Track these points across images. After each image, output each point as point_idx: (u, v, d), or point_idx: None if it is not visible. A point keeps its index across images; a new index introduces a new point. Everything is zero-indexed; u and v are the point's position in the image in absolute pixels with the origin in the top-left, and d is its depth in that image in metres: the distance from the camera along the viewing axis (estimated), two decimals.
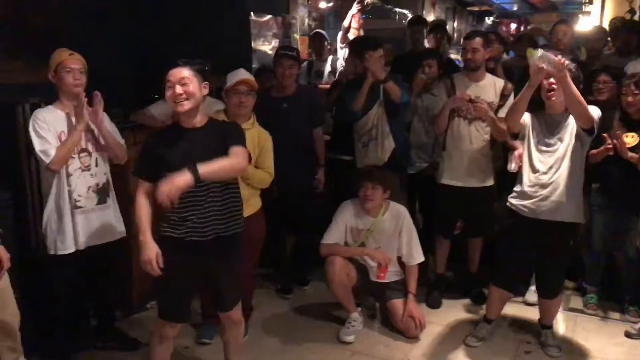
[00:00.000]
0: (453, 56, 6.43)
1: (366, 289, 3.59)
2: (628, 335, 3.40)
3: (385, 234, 3.47)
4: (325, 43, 5.62)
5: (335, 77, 5.20)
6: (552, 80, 2.84)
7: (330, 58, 5.61)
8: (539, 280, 3.25)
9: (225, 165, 2.36)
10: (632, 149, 3.29)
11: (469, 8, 14.65)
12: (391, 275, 3.52)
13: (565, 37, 4.36)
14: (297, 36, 6.07)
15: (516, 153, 3.36)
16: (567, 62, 2.73)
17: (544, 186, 2.96)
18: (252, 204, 3.11)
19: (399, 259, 3.56)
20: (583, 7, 12.90)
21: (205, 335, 3.31)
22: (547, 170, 2.96)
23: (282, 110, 3.69)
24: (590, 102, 2.97)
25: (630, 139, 3.32)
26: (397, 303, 3.44)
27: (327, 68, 5.49)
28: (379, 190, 3.38)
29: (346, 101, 3.78)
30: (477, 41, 3.56)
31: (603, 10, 9.17)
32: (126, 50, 4.46)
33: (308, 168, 3.89)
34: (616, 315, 3.65)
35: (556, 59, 2.67)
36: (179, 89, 2.36)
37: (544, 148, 2.99)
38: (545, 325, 3.31)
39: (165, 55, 2.55)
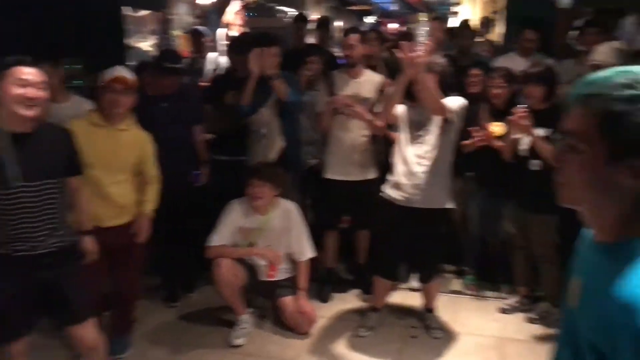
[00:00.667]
0: (338, 54, 6.54)
1: (256, 289, 3.53)
2: (503, 311, 3.65)
3: (275, 232, 3.43)
4: (203, 40, 5.45)
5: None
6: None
7: (210, 55, 5.45)
8: (416, 266, 3.38)
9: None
10: (500, 138, 3.52)
11: (349, 7, 15.11)
12: (281, 273, 3.49)
13: (438, 33, 4.57)
14: (176, 33, 5.85)
15: None
16: (418, 57, 2.67)
17: (415, 176, 3.08)
18: (129, 212, 2.97)
19: (289, 255, 3.54)
20: (452, 7, 13.86)
21: (116, 350, 3.08)
22: (418, 161, 3.08)
23: (162, 110, 3.54)
24: (462, 95, 3.14)
25: (497, 128, 3.54)
26: (288, 300, 3.42)
27: (207, 65, 5.33)
28: (267, 188, 3.33)
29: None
30: (354, 37, 3.63)
31: (474, 9, 9.83)
32: None
33: (189, 169, 3.77)
34: (492, 294, 3.91)
35: (410, 53, 2.65)
36: (32, 92, 2.16)
37: (414, 139, 3.12)
38: (428, 309, 3.46)
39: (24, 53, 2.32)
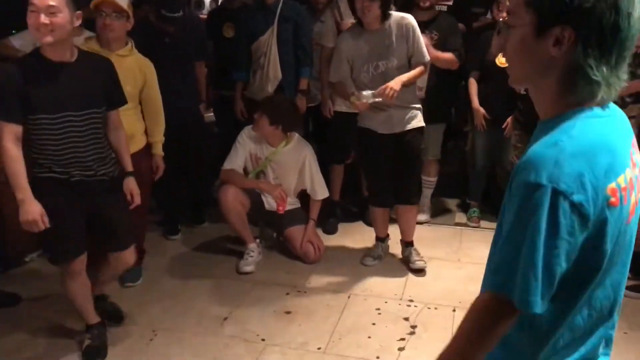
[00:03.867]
0: None
1: (262, 219, 3.57)
2: None
3: (284, 165, 3.44)
4: None
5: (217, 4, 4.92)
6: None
7: None
8: (398, 188, 3.32)
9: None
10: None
11: None
12: (289, 206, 3.51)
13: None
14: None
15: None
16: (382, 93, 2.91)
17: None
18: (137, 141, 2.94)
19: (298, 190, 3.56)
20: None
21: (128, 278, 3.14)
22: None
23: (165, 45, 3.45)
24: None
25: (503, 59, 3.48)
26: (295, 230, 3.46)
27: None
28: (264, 120, 3.33)
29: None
30: None
31: None
32: None
33: (194, 102, 3.71)
34: (495, 225, 3.95)
35: (379, 93, 2.91)
36: (44, 18, 2.09)
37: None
38: (408, 242, 3.43)
39: None
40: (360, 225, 3.98)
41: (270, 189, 3.41)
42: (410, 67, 3.07)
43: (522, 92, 3.35)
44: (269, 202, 3.48)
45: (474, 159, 3.95)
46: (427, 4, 3.56)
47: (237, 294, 3.11)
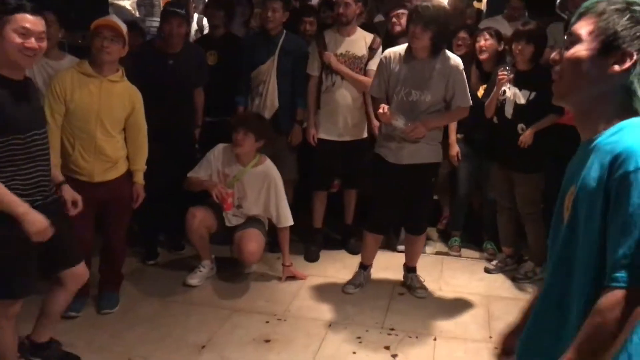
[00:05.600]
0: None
1: (225, 238, 3.56)
2: (487, 271, 3.72)
3: (250, 186, 3.45)
4: (191, 1, 5.35)
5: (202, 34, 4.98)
6: None
7: (196, 16, 5.36)
8: (407, 217, 3.38)
9: None
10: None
11: None
12: (239, 218, 3.51)
13: None
14: None
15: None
16: (412, 130, 2.99)
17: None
18: (119, 166, 2.96)
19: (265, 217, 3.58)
20: None
21: (105, 305, 3.10)
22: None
23: (168, 67, 3.55)
24: None
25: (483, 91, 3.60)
26: (241, 234, 3.41)
27: (194, 26, 5.24)
28: (250, 138, 3.35)
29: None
30: None
31: None
32: None
33: (189, 127, 3.78)
34: (476, 254, 3.98)
35: (407, 129, 2.99)
36: (34, 43, 2.10)
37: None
38: (410, 268, 3.48)
39: None
40: (342, 253, 3.96)
41: (210, 186, 3.39)
42: (447, 108, 3.11)
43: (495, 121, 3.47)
44: (229, 220, 3.48)
45: (457, 189, 3.99)
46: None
47: (215, 321, 3.06)
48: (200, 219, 3.38)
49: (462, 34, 3.89)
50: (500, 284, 3.59)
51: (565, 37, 1.16)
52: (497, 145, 3.57)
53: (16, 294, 2.26)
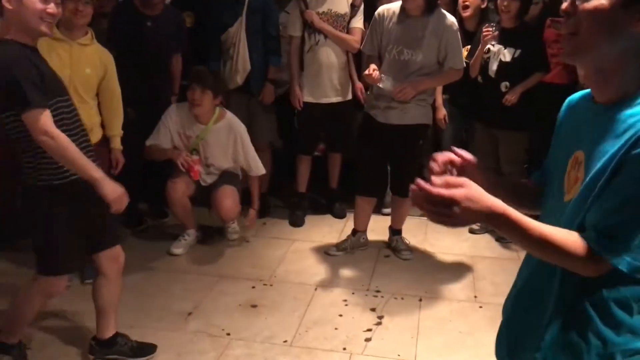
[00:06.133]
0: None
1: (204, 197, 3.51)
2: (472, 231, 3.73)
3: (215, 144, 3.38)
4: None
5: None
6: None
7: None
8: (393, 179, 3.38)
9: None
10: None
11: None
12: (210, 176, 3.48)
13: None
14: None
15: None
16: (399, 92, 2.95)
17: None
18: (95, 134, 2.84)
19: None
20: None
21: (88, 275, 3.00)
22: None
23: (146, 29, 3.42)
24: None
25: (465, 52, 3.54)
26: (217, 193, 3.38)
27: None
28: (208, 95, 3.25)
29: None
30: None
31: None
32: None
33: (167, 93, 3.66)
34: None
35: (395, 90, 2.95)
36: (54, 8, 1.99)
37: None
38: (395, 230, 3.48)
39: None
40: (327, 217, 3.95)
41: (175, 156, 3.32)
42: (440, 68, 3.03)
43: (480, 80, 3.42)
44: (204, 179, 3.45)
45: (442, 150, 3.96)
46: None
47: (201, 288, 3.05)
48: (181, 190, 3.33)
49: None
50: (485, 244, 3.61)
51: None
52: (481, 104, 3.53)
53: (59, 271, 2.23)
